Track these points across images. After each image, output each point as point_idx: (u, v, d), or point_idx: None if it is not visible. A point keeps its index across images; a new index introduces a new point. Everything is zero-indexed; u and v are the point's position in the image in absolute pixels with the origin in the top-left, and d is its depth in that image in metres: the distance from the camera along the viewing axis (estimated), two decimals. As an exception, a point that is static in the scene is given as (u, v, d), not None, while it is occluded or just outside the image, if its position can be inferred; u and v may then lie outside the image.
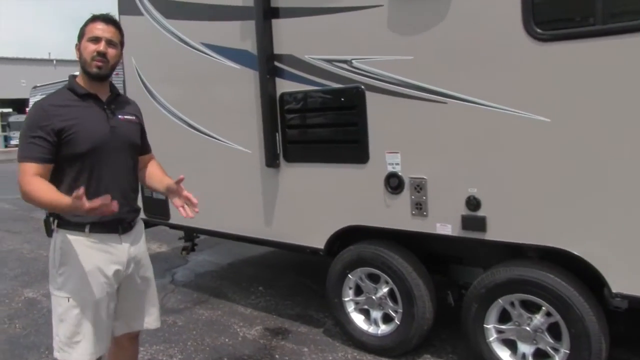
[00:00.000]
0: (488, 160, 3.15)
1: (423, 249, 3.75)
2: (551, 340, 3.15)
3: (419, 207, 3.43)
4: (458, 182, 3.25)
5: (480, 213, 3.20)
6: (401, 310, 3.69)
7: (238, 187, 4.40)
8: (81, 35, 2.60)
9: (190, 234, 5.50)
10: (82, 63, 2.58)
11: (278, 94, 3.94)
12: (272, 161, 4.03)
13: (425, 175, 3.37)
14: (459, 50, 3.13)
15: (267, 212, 4.24)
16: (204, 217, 4.71)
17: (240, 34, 4.08)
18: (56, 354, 2.62)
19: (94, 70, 2.56)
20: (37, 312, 4.92)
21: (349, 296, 3.95)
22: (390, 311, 3.79)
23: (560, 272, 3.10)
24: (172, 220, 5.04)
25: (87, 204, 2.29)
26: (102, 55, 2.55)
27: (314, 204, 3.94)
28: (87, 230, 2.57)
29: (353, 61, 3.50)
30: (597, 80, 2.75)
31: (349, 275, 3.88)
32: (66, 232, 2.57)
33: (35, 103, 2.58)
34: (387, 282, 3.74)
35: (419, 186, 3.39)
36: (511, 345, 3.34)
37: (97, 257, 2.59)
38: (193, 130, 4.60)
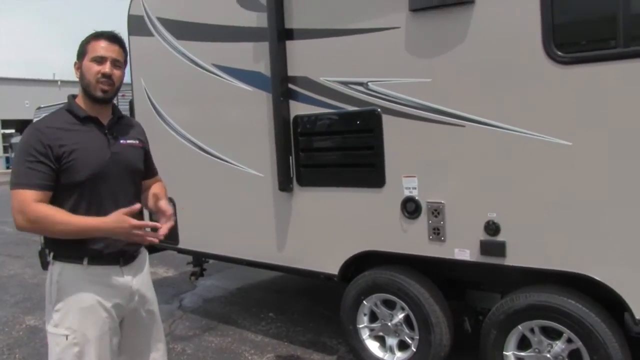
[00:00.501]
0: (507, 184, 3.10)
1: (439, 274, 3.68)
2: (572, 368, 3.08)
3: (437, 232, 3.37)
4: (477, 206, 3.21)
5: (499, 238, 3.15)
6: (417, 337, 3.62)
7: (250, 211, 4.35)
8: (82, 54, 2.44)
9: (199, 259, 5.43)
10: (85, 85, 2.43)
11: (292, 116, 3.91)
12: (285, 185, 3.98)
13: (443, 200, 3.32)
14: (477, 72, 3.11)
15: (279, 237, 4.18)
16: (214, 241, 4.71)
17: (253, 56, 4.06)
18: None
19: (99, 94, 2.42)
20: (39, 341, 4.83)
21: (363, 322, 3.87)
22: (407, 338, 3.71)
23: (580, 297, 3.05)
24: (181, 245, 4.97)
25: (132, 221, 2.26)
26: (107, 77, 2.40)
27: (329, 229, 3.89)
28: (85, 262, 2.39)
29: (369, 83, 3.47)
30: (619, 104, 2.73)
31: (364, 302, 3.81)
32: (64, 264, 2.40)
33: (31, 125, 2.41)
34: (403, 309, 3.67)
35: (437, 211, 3.34)
36: (531, 373, 3.27)
37: (97, 290, 2.40)
38: (203, 153, 4.56)
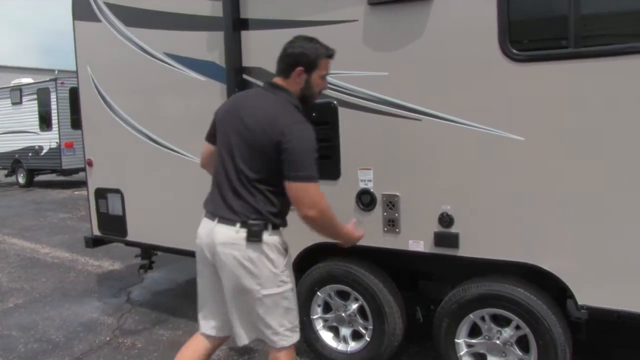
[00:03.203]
0: (462, 178, 3.17)
1: (393, 265, 3.73)
2: (520, 353, 3.21)
3: (392, 224, 3.42)
4: (431, 199, 3.27)
5: (453, 230, 3.23)
6: (371, 327, 3.67)
7: (200, 203, 4.27)
8: (315, 66, 2.73)
9: (148, 251, 5.33)
10: (310, 94, 2.79)
11: (246, 107, 3.87)
12: (238, 176, 3.94)
13: (398, 192, 3.37)
14: (434, 67, 3.16)
15: (232, 228, 4.14)
16: (165, 233, 4.63)
17: (207, 45, 4.00)
18: (282, 343, 2.75)
19: (312, 103, 2.90)
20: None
21: (317, 314, 3.90)
22: (360, 328, 3.76)
23: (528, 286, 3.16)
24: (130, 237, 4.88)
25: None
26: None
27: (283, 220, 3.86)
28: (281, 230, 2.79)
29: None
30: (570, 101, 2.83)
31: (318, 293, 3.83)
32: (279, 231, 2.75)
33: (306, 120, 2.66)
34: (356, 299, 3.71)
35: (392, 203, 3.38)
36: (481, 358, 3.38)
37: None
38: (154, 144, 4.48)
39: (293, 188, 2.58)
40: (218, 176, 2.79)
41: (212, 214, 2.76)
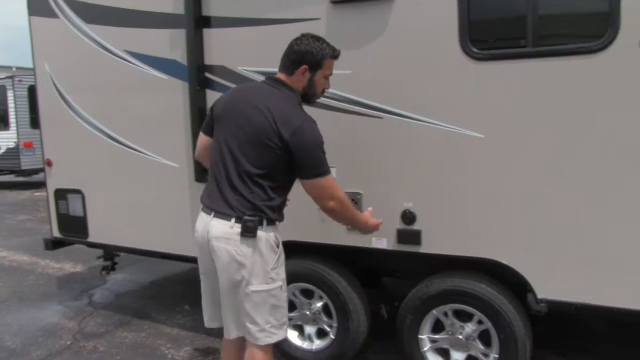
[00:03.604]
0: (423, 175, 3.21)
1: (357, 263, 3.75)
2: (482, 347, 3.26)
3: (355, 222, 3.44)
4: (394, 196, 3.30)
5: (415, 227, 3.26)
6: (336, 325, 3.68)
7: (165, 202, 4.25)
8: (319, 66, 2.75)
9: (111, 253, 5.25)
10: (312, 93, 2.82)
11: (209, 106, 3.83)
12: (202, 176, 3.91)
13: (361, 190, 3.39)
14: (396, 66, 3.19)
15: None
16: (127, 234, 4.58)
17: (169, 43, 3.96)
18: (266, 340, 2.76)
19: (315, 102, 2.93)
20: None
21: (282, 312, 3.89)
22: (325, 326, 3.77)
23: (490, 281, 3.22)
24: (91, 239, 4.80)
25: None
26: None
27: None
28: (278, 225, 2.81)
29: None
30: (528, 100, 2.89)
31: (282, 292, 3.82)
32: (274, 227, 2.76)
33: (312, 120, 2.69)
34: (321, 298, 3.72)
35: (355, 201, 3.39)
36: (445, 354, 3.42)
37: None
38: (115, 144, 4.41)
39: (312, 185, 2.67)
40: (216, 171, 2.77)
41: (209, 208, 2.75)
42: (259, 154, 2.63)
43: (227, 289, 2.76)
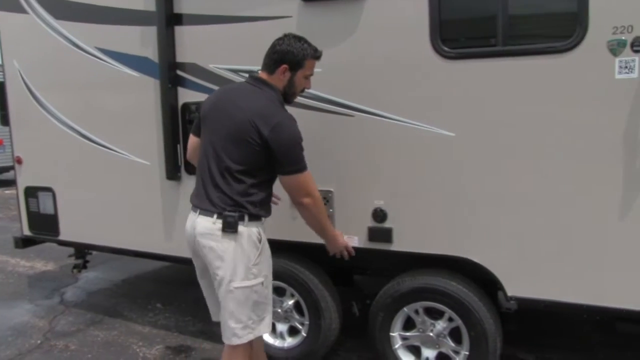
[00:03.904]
0: (394, 173, 3.23)
1: (328, 261, 3.75)
2: (452, 344, 3.29)
3: (326, 219, 3.44)
4: (365, 194, 3.31)
5: (386, 225, 3.27)
6: (308, 322, 3.69)
7: (136, 200, 4.22)
8: (300, 66, 2.81)
9: (82, 251, 5.19)
10: (291, 92, 2.87)
11: (180, 103, 3.83)
12: (173, 174, 3.90)
13: (332, 188, 3.40)
14: (367, 64, 3.20)
15: (167, 227, 4.10)
16: (99, 232, 4.53)
17: (140, 40, 3.92)
18: (248, 337, 2.80)
19: (293, 101, 2.97)
20: None
21: (253, 310, 3.88)
22: (297, 323, 3.78)
23: (460, 279, 3.24)
24: (63, 237, 4.74)
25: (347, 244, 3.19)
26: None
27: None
28: (263, 220, 2.86)
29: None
30: (497, 98, 2.92)
31: (254, 289, 3.81)
32: (258, 223, 2.80)
33: (291, 117, 2.76)
34: (292, 295, 3.72)
35: (326, 198, 3.39)
36: (416, 351, 3.44)
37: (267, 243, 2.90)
38: (86, 141, 4.36)
39: (289, 180, 2.77)
40: (202, 169, 2.85)
41: (196, 206, 2.83)
42: (239, 150, 2.69)
43: (214, 284, 2.84)
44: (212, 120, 2.82)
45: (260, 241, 2.81)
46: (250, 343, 2.86)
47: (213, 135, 2.79)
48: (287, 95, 2.89)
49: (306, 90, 2.99)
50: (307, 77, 2.90)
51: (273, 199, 3.01)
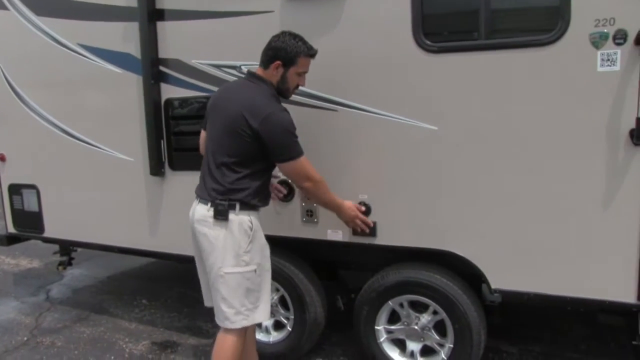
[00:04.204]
0: (378, 167, 3.23)
1: (312, 255, 3.77)
2: (437, 337, 3.31)
3: (310, 214, 3.46)
4: (348, 188, 3.31)
5: (371, 218, 3.27)
6: (293, 317, 3.70)
7: (120, 197, 4.21)
8: (292, 63, 2.89)
9: (67, 248, 5.16)
10: (285, 88, 2.95)
11: (163, 99, 3.81)
12: (157, 169, 3.89)
13: (316, 182, 3.39)
14: (350, 58, 3.20)
15: (152, 223, 4.09)
16: (84, 229, 4.51)
17: (122, 36, 3.89)
18: (243, 323, 2.90)
19: (289, 97, 3.06)
20: None
21: (238, 306, 3.88)
22: (282, 318, 3.79)
23: (445, 272, 3.26)
24: (47, 234, 4.72)
25: (359, 213, 3.20)
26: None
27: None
28: (258, 209, 2.98)
29: (242, 67, 3.46)
30: (480, 92, 2.93)
31: (239, 284, 3.81)
32: (251, 212, 2.91)
33: (282, 108, 2.85)
34: (277, 290, 3.73)
35: (310, 193, 3.40)
36: (401, 344, 3.47)
37: (262, 231, 3.01)
38: (69, 138, 4.33)
39: (286, 167, 2.89)
40: (204, 162, 3.02)
41: (197, 195, 3.01)
42: (232, 142, 2.83)
43: (207, 270, 2.96)
44: (212, 116, 2.98)
45: (251, 229, 2.90)
46: (245, 330, 2.97)
47: (212, 129, 2.96)
48: (282, 91, 2.97)
49: (300, 87, 3.05)
50: (300, 75, 2.97)
51: (275, 191, 3.29)
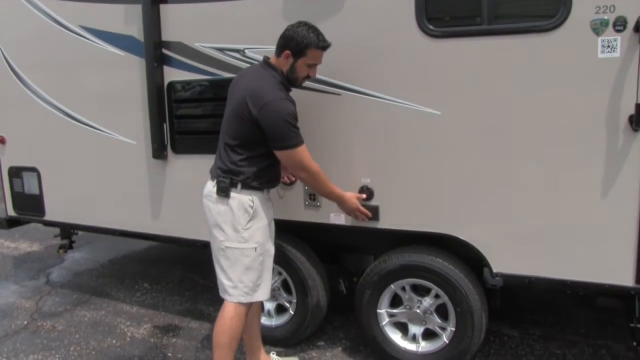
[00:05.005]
0: (381, 151, 3.24)
1: (315, 239, 3.78)
2: (439, 320, 3.34)
3: (312, 198, 3.46)
4: (351, 172, 3.32)
5: (373, 202, 3.29)
6: (295, 301, 3.72)
7: (122, 180, 4.20)
8: (302, 54, 2.90)
9: (68, 231, 5.16)
10: (294, 77, 2.98)
11: (166, 82, 3.79)
12: (159, 153, 3.88)
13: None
14: (353, 42, 3.19)
15: (154, 206, 4.09)
16: (85, 212, 4.51)
17: (125, 19, 3.87)
18: (240, 299, 3.02)
19: (299, 86, 3.09)
20: None
21: (241, 289, 3.89)
22: (284, 302, 3.81)
23: (447, 256, 3.28)
24: (48, 217, 4.72)
25: (359, 205, 3.21)
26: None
27: (205, 196, 3.83)
28: (263, 190, 3.06)
29: (246, 50, 3.45)
30: (483, 76, 2.93)
31: (242, 268, 3.83)
32: (252, 191, 2.99)
33: (283, 97, 2.87)
34: (280, 273, 3.75)
35: (313, 177, 3.40)
36: (402, 327, 3.49)
37: (268, 212, 3.12)
38: (72, 120, 4.31)
39: (282, 155, 2.95)
40: (218, 143, 3.11)
41: (210, 172, 3.12)
42: (237, 126, 2.93)
43: (211, 242, 3.09)
44: (228, 98, 3.08)
45: (252, 208, 2.97)
46: (246, 308, 3.06)
47: (226, 111, 3.06)
48: (291, 80, 3.00)
49: (310, 78, 3.07)
50: (310, 66, 2.99)
51: (285, 177, 3.41)
